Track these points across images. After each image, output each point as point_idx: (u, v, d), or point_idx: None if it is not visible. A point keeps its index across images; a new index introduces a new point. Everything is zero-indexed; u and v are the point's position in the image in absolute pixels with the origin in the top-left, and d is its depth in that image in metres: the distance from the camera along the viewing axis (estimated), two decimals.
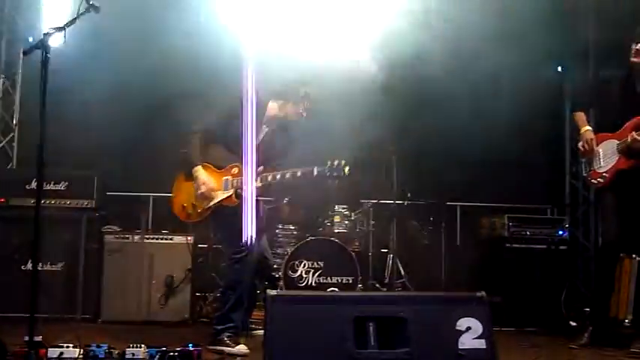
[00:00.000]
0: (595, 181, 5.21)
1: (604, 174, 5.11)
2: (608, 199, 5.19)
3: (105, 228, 6.15)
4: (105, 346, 4.07)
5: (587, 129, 5.24)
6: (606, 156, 5.11)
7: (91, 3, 3.85)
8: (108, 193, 6.55)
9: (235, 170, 4.68)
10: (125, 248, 6.04)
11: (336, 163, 4.47)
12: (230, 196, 4.64)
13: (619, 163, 5.01)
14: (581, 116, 5.34)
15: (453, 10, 6.77)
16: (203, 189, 4.62)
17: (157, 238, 6.12)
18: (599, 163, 5.15)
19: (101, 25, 5.19)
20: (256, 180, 4.59)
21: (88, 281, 5.95)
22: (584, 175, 5.36)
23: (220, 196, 4.67)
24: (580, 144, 5.29)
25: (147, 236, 6.11)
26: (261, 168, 4.64)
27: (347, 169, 4.48)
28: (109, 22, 5.10)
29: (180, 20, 6.63)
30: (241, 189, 4.61)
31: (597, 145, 5.17)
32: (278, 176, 4.59)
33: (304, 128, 5.02)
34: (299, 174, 4.54)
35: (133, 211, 6.70)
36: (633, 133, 4.87)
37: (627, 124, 4.98)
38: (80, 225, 6.01)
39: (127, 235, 6.10)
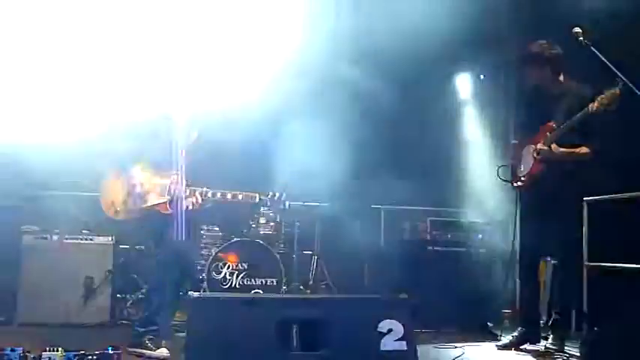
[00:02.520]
0: (516, 184, 5.41)
1: (522, 177, 5.31)
2: (525, 202, 5.40)
3: (23, 227, 5.97)
4: (20, 350, 3.96)
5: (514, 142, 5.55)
6: (525, 161, 5.30)
7: None
8: (27, 192, 6.37)
9: (175, 177, 4.64)
10: (44, 248, 5.87)
11: (277, 194, 4.66)
12: (165, 202, 4.61)
13: (532, 168, 5.19)
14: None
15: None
16: (139, 189, 4.58)
17: (77, 239, 5.98)
18: (521, 167, 5.36)
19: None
20: (196, 194, 4.60)
21: (3, 282, 5.77)
22: (508, 179, 5.52)
23: (155, 200, 4.62)
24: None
25: (66, 236, 5.95)
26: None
27: (288, 203, 4.70)
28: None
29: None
30: (179, 198, 4.58)
31: (521, 150, 5.37)
32: (218, 194, 4.64)
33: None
34: (240, 197, 4.63)
35: (52, 210, 6.51)
36: (540, 142, 5.06)
37: (541, 130, 5.15)
38: None
39: (46, 235, 5.93)
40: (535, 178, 5.17)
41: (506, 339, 5.37)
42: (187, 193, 4.59)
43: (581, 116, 4.75)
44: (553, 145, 4.97)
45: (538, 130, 5.17)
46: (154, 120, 4.69)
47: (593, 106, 4.64)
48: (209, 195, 4.62)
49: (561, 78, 5.15)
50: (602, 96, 4.60)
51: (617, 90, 4.51)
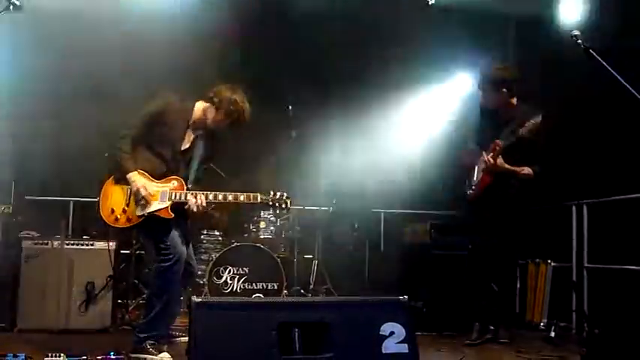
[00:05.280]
0: (469, 192, 5.77)
1: (474, 186, 5.71)
2: (472, 209, 5.77)
3: (23, 233, 5.95)
4: (22, 356, 3.97)
5: (471, 148, 5.83)
6: (478, 172, 5.70)
7: (11, 1, 3.75)
8: (26, 197, 6.37)
9: (175, 183, 4.57)
10: (44, 254, 5.83)
11: (279, 194, 4.61)
12: (167, 207, 4.52)
13: (483, 180, 5.58)
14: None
15: None
16: (143, 192, 4.44)
17: (78, 244, 5.95)
18: (474, 177, 5.74)
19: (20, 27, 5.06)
20: (199, 196, 4.51)
21: (4, 288, 5.74)
22: (466, 186, 5.86)
23: (157, 206, 4.51)
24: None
25: (66, 242, 5.94)
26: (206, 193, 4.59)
27: (289, 202, 4.64)
28: (30, 22, 4.99)
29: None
30: (181, 203, 4.52)
31: (476, 159, 5.70)
32: (220, 197, 4.56)
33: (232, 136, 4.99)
34: (242, 198, 4.57)
35: (52, 216, 6.51)
36: (488, 156, 5.43)
37: (491, 146, 5.48)
38: None
39: (46, 241, 5.89)
40: (483, 189, 5.57)
41: (470, 336, 5.57)
42: (189, 197, 4.52)
43: (511, 137, 5.27)
44: (498, 160, 5.39)
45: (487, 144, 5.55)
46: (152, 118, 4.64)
47: (520, 131, 5.19)
48: (210, 197, 4.55)
49: (514, 101, 5.54)
50: (527, 125, 5.14)
51: (537, 120, 5.10)
